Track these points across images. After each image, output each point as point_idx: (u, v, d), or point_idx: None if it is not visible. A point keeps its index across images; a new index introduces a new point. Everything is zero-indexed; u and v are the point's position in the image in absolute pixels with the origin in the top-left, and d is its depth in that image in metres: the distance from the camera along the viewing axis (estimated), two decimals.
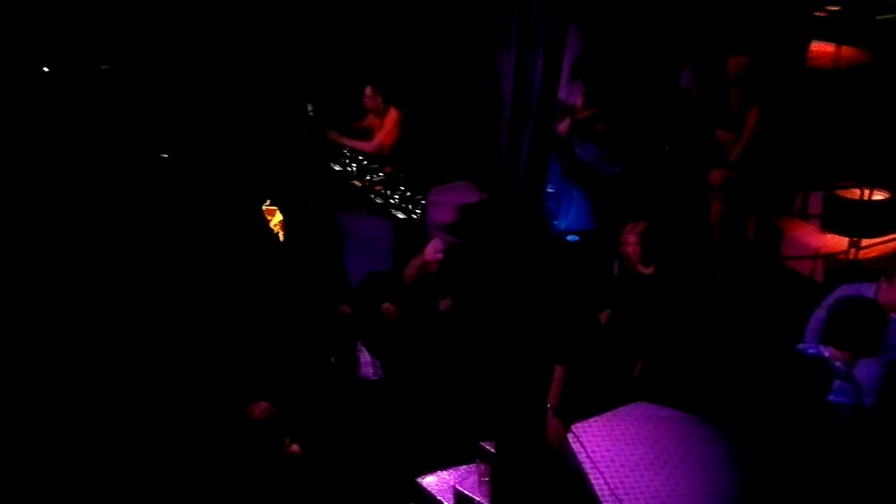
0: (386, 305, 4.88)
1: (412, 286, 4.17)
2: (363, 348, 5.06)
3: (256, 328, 5.29)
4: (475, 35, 6.01)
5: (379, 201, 6.70)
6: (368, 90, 7.21)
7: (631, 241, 4.50)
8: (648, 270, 4.48)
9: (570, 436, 3.35)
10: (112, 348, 5.22)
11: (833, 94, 6.41)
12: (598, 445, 3.15)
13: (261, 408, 4.20)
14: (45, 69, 6.93)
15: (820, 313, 3.92)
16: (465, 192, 3.17)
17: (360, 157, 7.30)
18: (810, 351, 3.53)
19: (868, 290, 3.91)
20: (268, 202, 6.46)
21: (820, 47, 7.16)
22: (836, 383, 3.41)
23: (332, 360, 4.96)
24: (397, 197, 6.66)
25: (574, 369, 4.01)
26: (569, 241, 6.28)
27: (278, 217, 6.19)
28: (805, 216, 6.34)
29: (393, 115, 7.21)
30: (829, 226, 6.07)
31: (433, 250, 3.35)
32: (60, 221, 6.23)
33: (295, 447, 4.26)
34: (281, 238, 6.27)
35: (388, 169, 7.24)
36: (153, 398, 4.86)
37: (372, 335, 5.09)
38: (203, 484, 4.15)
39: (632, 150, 6.48)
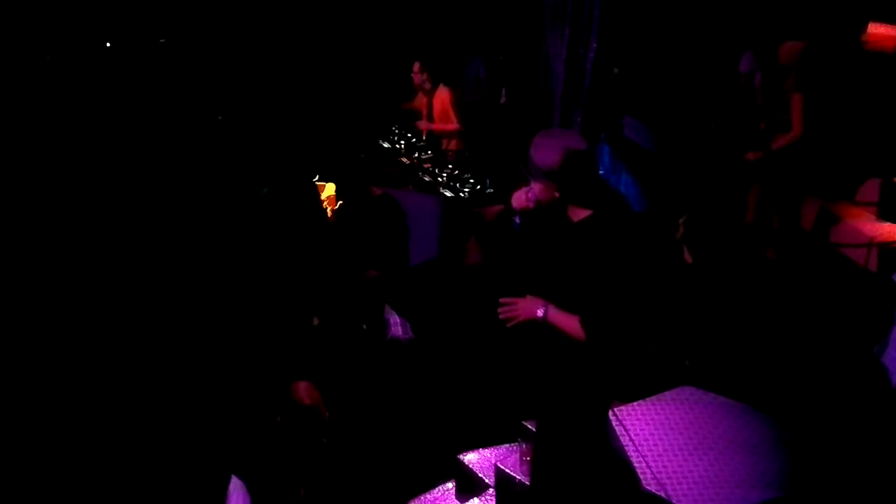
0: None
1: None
2: (391, 310, 5.06)
3: (298, 304, 5.31)
4: (527, 15, 5.96)
5: (427, 179, 6.72)
6: (416, 66, 7.21)
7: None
8: (690, 257, 4.44)
9: (612, 418, 3.33)
10: (146, 322, 5.28)
11: (894, 79, 6.25)
12: (642, 429, 3.13)
13: (303, 386, 4.23)
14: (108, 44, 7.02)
15: None
16: (572, 138, 3.07)
17: (409, 135, 7.31)
18: None
19: None
20: (316, 178, 6.51)
21: (879, 29, 6.96)
22: None
23: (364, 326, 4.96)
24: (445, 175, 6.67)
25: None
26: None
27: (328, 192, 6.24)
28: (862, 204, 6.23)
29: (444, 94, 7.18)
30: (885, 214, 5.95)
31: (523, 199, 3.19)
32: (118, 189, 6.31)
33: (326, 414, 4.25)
34: (329, 214, 6.32)
35: (453, 146, 7.23)
36: (186, 375, 4.90)
37: (401, 296, 5.08)
38: (241, 460, 4.20)
39: (678, 129, 6.39)
